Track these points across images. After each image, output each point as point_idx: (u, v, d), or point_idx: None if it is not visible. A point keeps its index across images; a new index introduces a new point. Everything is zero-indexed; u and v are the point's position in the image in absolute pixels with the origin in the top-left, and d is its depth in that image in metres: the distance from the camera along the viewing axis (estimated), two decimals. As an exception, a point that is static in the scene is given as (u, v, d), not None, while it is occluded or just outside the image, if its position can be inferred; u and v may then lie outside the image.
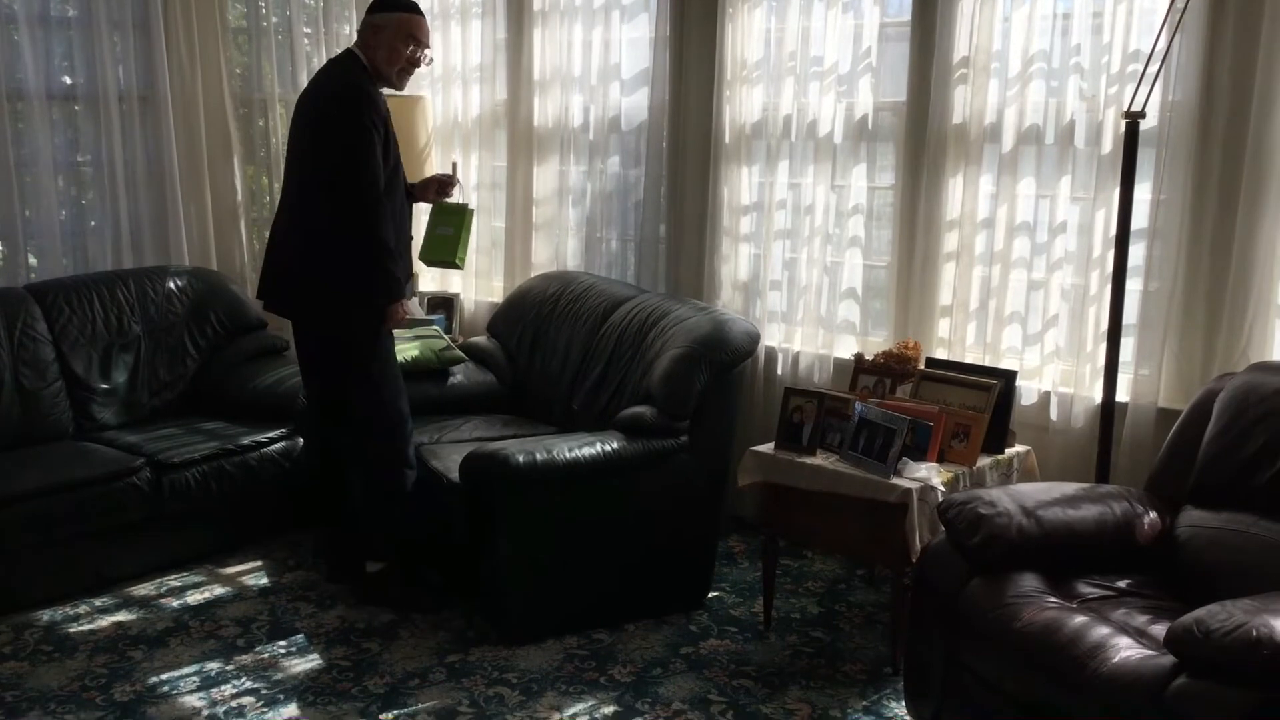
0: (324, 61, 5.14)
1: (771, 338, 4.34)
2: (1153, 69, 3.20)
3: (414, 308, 4.04)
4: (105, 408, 4.39)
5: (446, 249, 3.79)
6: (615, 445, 3.50)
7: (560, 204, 4.95)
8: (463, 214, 3.81)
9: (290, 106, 5.22)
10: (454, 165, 4.12)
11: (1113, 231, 3.35)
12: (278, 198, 5.21)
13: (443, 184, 3.86)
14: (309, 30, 5.25)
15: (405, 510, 3.74)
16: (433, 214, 3.85)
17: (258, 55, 5.20)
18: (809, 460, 3.42)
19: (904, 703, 3.05)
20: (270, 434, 4.26)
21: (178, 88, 4.92)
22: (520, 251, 5.08)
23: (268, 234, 3.90)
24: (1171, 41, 3.23)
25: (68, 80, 4.74)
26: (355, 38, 3.68)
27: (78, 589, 3.86)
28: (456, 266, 3.83)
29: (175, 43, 4.90)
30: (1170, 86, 3.35)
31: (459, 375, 4.48)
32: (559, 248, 4.98)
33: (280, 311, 3.81)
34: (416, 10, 3.63)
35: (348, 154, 3.42)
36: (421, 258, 3.87)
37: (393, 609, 3.75)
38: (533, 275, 4.93)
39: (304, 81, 5.17)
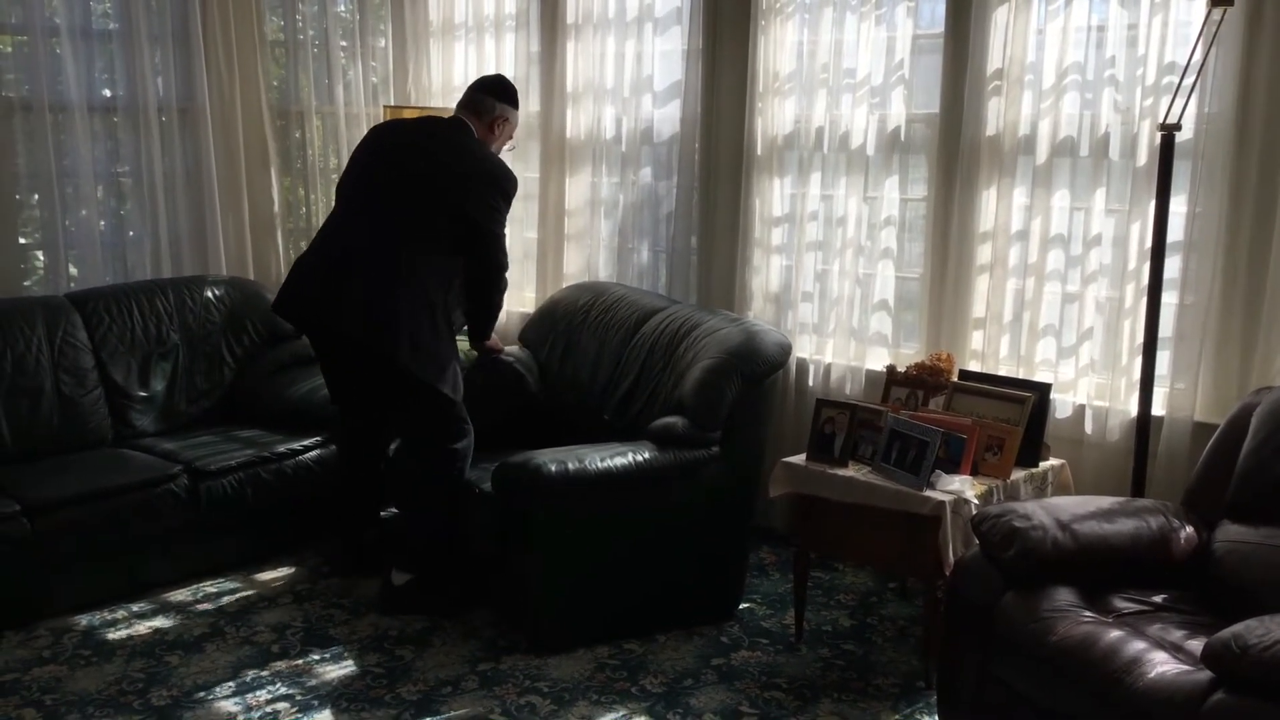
0: (359, 74, 5.26)
1: (803, 349, 4.34)
2: (1188, 81, 3.19)
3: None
4: (144, 415, 4.44)
5: None
6: (647, 455, 3.51)
7: (592, 215, 4.97)
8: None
9: (326, 119, 5.30)
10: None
11: (1148, 244, 3.34)
12: (314, 208, 5.35)
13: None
14: (345, 44, 5.31)
15: (446, 521, 3.80)
16: None
17: (294, 68, 5.27)
18: (841, 472, 3.41)
19: (936, 717, 3.04)
20: (305, 442, 4.29)
21: (216, 100, 4.99)
22: (552, 262, 5.10)
23: (313, 245, 3.88)
24: (1208, 54, 3.22)
25: (108, 92, 4.81)
26: (470, 108, 3.99)
27: (115, 594, 3.90)
28: None
29: (214, 55, 4.96)
30: (1206, 99, 3.33)
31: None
32: (590, 259, 5.01)
33: (330, 328, 3.76)
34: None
35: (494, 227, 3.82)
36: None
37: (423, 614, 3.79)
38: (564, 286, 4.95)
39: (340, 94, 5.25)
